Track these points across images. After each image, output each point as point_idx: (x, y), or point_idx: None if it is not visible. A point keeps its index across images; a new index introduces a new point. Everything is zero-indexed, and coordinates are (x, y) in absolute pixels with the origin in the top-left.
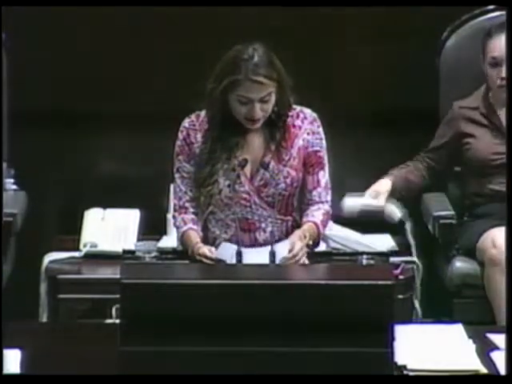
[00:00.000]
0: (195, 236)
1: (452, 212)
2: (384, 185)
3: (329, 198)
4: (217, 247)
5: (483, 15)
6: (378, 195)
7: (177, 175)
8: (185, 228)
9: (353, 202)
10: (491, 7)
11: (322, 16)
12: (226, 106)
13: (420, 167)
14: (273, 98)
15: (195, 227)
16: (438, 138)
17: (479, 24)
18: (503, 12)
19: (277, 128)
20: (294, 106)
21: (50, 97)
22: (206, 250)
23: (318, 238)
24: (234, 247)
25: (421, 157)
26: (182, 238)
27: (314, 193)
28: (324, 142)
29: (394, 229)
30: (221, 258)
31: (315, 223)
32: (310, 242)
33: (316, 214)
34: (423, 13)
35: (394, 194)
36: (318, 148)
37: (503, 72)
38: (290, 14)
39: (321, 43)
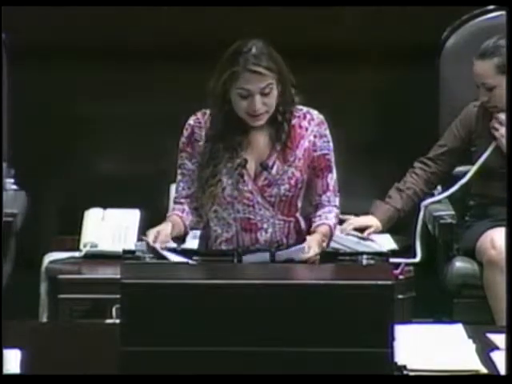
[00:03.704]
0: (173, 219)
1: (452, 212)
2: (373, 223)
3: (337, 200)
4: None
5: (483, 15)
6: (366, 234)
7: (178, 171)
8: (169, 213)
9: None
10: (491, 7)
11: (322, 15)
12: (228, 103)
13: (417, 181)
14: (274, 92)
15: (180, 214)
16: (449, 140)
17: (479, 24)
18: (503, 12)
19: (282, 128)
20: (301, 107)
21: (50, 98)
22: (151, 234)
23: (330, 240)
24: None
25: (424, 163)
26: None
27: (324, 197)
28: (331, 144)
29: (394, 229)
30: (158, 251)
31: (330, 226)
32: (326, 248)
33: (329, 216)
34: (423, 13)
35: (384, 228)
36: (326, 151)
37: (484, 97)
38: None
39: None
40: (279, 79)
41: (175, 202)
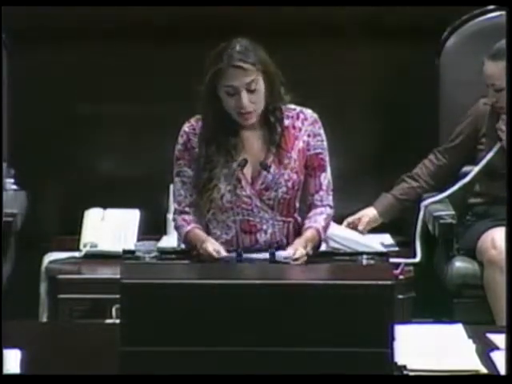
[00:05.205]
0: (202, 233)
1: (452, 212)
2: (368, 213)
3: (330, 199)
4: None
5: (483, 15)
6: (360, 224)
7: (177, 179)
8: (189, 227)
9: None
10: (491, 7)
11: (323, 17)
12: (218, 101)
13: (423, 172)
14: (260, 89)
15: (199, 226)
16: (457, 135)
17: (479, 24)
18: (503, 12)
19: (275, 129)
20: (294, 107)
21: (50, 98)
22: (211, 250)
23: (318, 243)
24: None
25: (435, 155)
26: (187, 237)
27: (317, 196)
28: (325, 143)
29: (394, 229)
30: (223, 257)
31: (317, 230)
32: (311, 252)
33: (319, 218)
34: (423, 13)
35: (383, 218)
36: (319, 150)
37: (492, 97)
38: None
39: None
40: (265, 76)
41: (181, 212)
